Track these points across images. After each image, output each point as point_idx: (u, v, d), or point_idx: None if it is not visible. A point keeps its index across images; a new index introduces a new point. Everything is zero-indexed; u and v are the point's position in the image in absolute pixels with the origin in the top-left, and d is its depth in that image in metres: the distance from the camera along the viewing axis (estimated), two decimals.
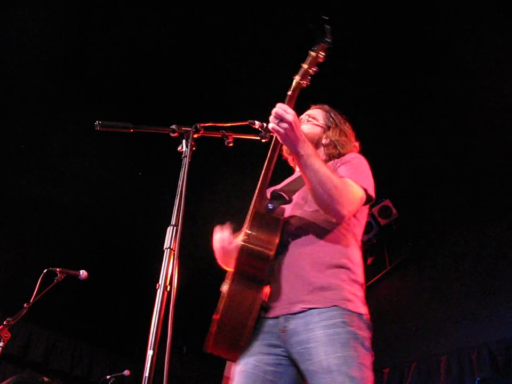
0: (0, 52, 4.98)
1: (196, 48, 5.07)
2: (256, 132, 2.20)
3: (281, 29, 4.84)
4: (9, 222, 6.51)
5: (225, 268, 2.44)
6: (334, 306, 2.07)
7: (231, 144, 2.10)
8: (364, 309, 2.14)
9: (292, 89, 2.12)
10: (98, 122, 1.94)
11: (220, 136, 2.10)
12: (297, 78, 2.12)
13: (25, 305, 3.66)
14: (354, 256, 2.25)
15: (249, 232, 2.12)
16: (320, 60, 2.12)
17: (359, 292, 2.18)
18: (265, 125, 2.17)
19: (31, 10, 4.68)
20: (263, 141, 2.20)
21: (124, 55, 5.14)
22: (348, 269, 2.18)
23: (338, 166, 2.34)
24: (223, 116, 2.27)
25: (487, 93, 4.90)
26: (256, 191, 2.22)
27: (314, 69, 2.13)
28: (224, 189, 6.29)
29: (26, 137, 5.81)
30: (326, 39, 2.09)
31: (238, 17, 4.79)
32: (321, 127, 2.56)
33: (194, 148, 1.96)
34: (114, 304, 7.22)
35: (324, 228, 2.23)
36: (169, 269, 1.70)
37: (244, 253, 2.09)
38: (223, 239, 2.34)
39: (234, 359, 2.18)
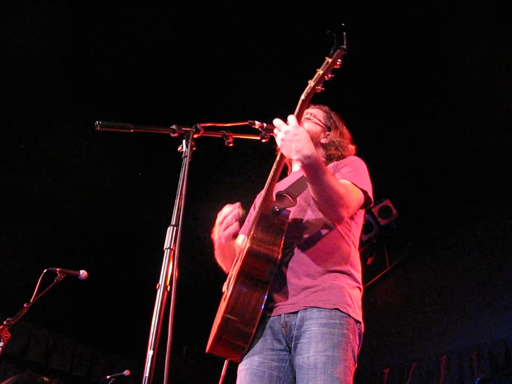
0: (0, 51, 4.98)
1: (196, 48, 5.07)
2: (256, 132, 2.20)
3: (281, 29, 4.84)
4: (9, 222, 6.50)
5: (220, 264, 2.44)
6: (335, 308, 2.11)
7: (231, 144, 2.10)
8: (360, 318, 2.20)
9: (305, 93, 2.08)
10: (98, 122, 1.94)
11: (220, 136, 2.10)
12: (312, 84, 2.07)
13: (25, 305, 3.65)
14: (355, 261, 2.31)
15: (256, 234, 2.14)
16: (337, 67, 2.06)
17: (359, 299, 2.24)
18: (265, 125, 2.18)
19: (31, 10, 4.68)
20: (263, 141, 2.20)
21: (124, 55, 5.14)
22: (350, 275, 2.24)
23: (339, 168, 2.36)
24: (223, 116, 2.27)
25: (488, 93, 4.90)
26: (263, 193, 2.24)
27: (330, 75, 2.07)
28: (224, 188, 6.28)
29: (26, 137, 5.80)
30: (344, 46, 2.02)
31: (238, 17, 4.79)
32: (321, 126, 2.60)
33: (194, 148, 1.96)
34: (114, 304, 7.22)
35: (326, 231, 2.28)
36: (169, 269, 1.70)
37: (251, 255, 2.11)
38: (226, 222, 2.26)
39: (237, 359, 2.21)
